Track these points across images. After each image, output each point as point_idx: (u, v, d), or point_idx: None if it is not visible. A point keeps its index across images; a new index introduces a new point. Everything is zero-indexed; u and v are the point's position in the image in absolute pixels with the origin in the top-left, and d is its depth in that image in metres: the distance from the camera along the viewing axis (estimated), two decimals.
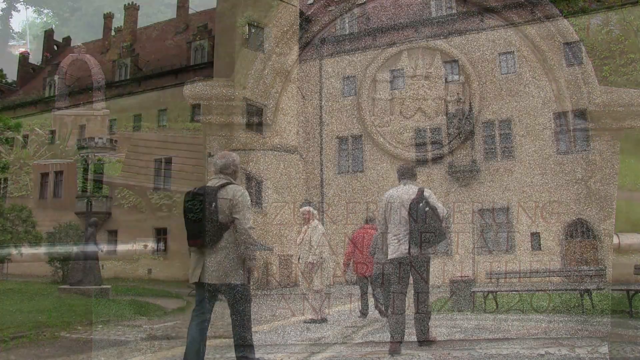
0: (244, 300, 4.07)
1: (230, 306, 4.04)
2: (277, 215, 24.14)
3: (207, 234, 3.80)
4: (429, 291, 5.41)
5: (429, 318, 5.23)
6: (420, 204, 5.03)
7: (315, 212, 8.37)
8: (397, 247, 5.15)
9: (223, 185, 3.99)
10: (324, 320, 7.66)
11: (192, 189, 4.01)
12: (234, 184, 4.14)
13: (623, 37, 22.46)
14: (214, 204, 3.83)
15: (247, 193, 4.03)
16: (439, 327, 6.73)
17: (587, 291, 8.56)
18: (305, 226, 8.15)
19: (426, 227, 4.97)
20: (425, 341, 5.06)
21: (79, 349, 5.67)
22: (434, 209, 5.07)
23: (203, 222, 3.80)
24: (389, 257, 5.30)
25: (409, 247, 5.06)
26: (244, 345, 4.07)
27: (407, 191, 5.27)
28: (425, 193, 5.20)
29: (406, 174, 5.52)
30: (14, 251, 16.80)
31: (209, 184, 4.08)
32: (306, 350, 4.92)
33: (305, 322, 7.72)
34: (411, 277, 5.23)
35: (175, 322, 8.80)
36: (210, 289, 3.98)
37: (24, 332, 6.56)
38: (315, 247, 8.01)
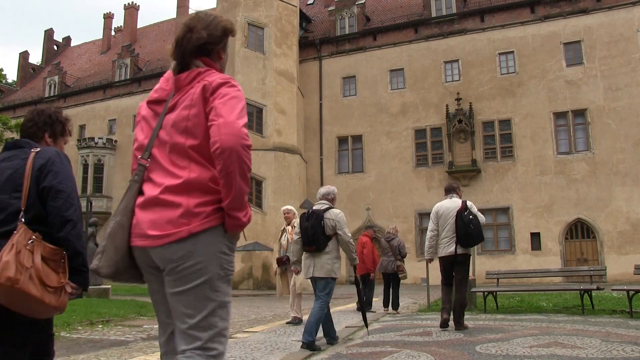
0: (329, 291, 5.51)
1: (317, 292, 5.49)
2: (277, 215, 24.13)
3: (318, 243, 5.37)
4: (467, 284, 6.74)
5: (464, 306, 6.49)
6: (465, 213, 6.45)
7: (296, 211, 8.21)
8: (446, 247, 6.48)
9: (327, 209, 5.52)
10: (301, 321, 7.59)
11: (307, 211, 5.65)
12: (334, 207, 5.61)
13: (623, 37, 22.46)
14: (322, 222, 5.40)
15: (343, 214, 5.59)
16: (439, 327, 6.73)
17: (587, 291, 8.56)
18: (289, 226, 7.86)
19: (469, 231, 6.32)
20: (460, 326, 6.34)
21: (79, 349, 5.67)
22: (475, 217, 6.46)
23: (315, 234, 5.36)
24: (439, 255, 6.60)
25: (455, 247, 6.40)
26: (311, 332, 5.25)
27: (453, 203, 6.70)
28: (468, 204, 6.62)
29: (451, 190, 7.05)
30: None
31: (316, 207, 5.65)
32: (306, 351, 4.93)
33: (287, 323, 7.70)
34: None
35: None
36: (317, 281, 5.51)
37: None
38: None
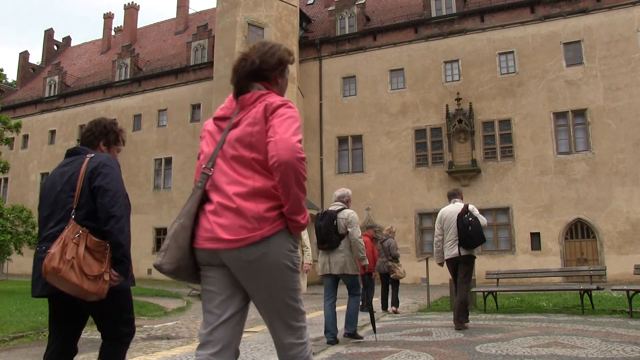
0: (357, 286, 5.99)
1: (348, 290, 5.98)
2: None
3: (331, 241, 5.77)
4: (469, 283, 6.96)
5: (465, 305, 6.69)
6: (465, 216, 6.71)
7: None
8: (450, 249, 6.78)
9: (340, 210, 5.94)
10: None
11: (321, 210, 6.07)
12: (347, 208, 6.02)
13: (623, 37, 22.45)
14: (335, 221, 5.80)
15: (356, 214, 5.99)
16: (440, 327, 6.74)
17: (587, 291, 8.56)
18: None
19: (468, 234, 6.59)
20: (460, 325, 6.57)
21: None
22: (476, 219, 6.69)
23: (329, 233, 5.75)
24: (445, 257, 6.88)
25: (459, 249, 6.70)
26: (352, 323, 5.81)
27: (456, 207, 6.93)
28: (469, 207, 6.83)
29: (455, 195, 7.24)
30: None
31: (331, 208, 6.07)
32: None
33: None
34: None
35: (176, 322, 8.80)
36: (333, 278, 5.97)
37: (24, 332, 6.57)
38: (309, 247, 7.95)
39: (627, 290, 7.76)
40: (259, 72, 2.13)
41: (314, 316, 9.19)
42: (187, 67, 31.83)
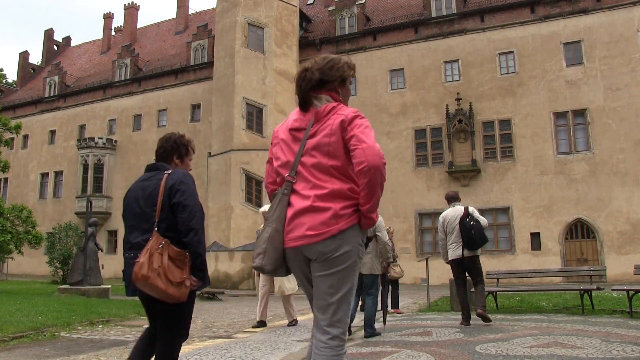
0: (375, 286, 6.30)
1: (365, 289, 6.27)
2: None
3: None
4: (483, 280, 7.30)
5: (484, 293, 7.14)
6: (467, 219, 7.02)
7: None
8: (454, 251, 7.08)
9: None
10: (296, 322, 7.36)
11: None
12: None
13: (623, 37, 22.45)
14: None
15: (382, 219, 6.20)
16: (439, 327, 6.74)
17: (587, 291, 8.56)
18: None
19: (471, 236, 6.93)
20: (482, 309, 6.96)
21: (79, 349, 5.67)
22: (477, 221, 7.00)
23: None
24: (449, 258, 7.18)
25: (462, 251, 7.02)
26: (371, 325, 6.05)
27: (457, 210, 7.21)
28: (469, 210, 7.14)
29: (454, 198, 7.46)
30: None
31: None
32: (306, 351, 4.92)
33: (289, 325, 7.32)
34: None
35: None
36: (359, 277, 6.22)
37: (24, 332, 6.57)
38: None
39: (627, 290, 7.76)
40: (321, 84, 2.35)
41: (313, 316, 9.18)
42: (187, 67, 31.84)
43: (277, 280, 7.21)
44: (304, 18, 29.48)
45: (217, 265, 23.50)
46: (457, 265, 7.16)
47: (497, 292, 9.39)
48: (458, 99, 24.13)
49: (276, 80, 25.61)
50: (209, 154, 27.30)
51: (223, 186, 24.55)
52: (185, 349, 5.46)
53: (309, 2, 32.98)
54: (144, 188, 2.98)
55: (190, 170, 3.19)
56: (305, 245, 2.14)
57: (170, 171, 2.97)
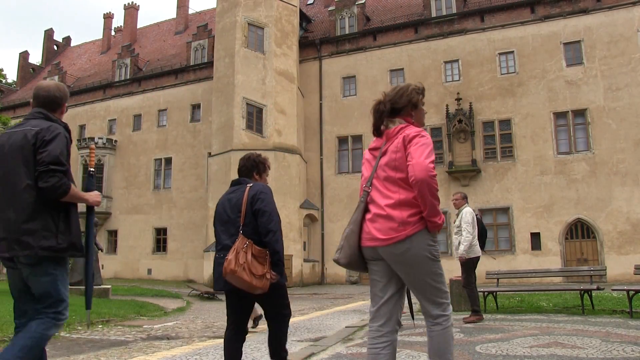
0: None
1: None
2: None
3: None
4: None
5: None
6: (481, 218, 8.00)
7: None
8: (477, 249, 7.57)
9: None
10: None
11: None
12: None
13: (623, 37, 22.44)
14: None
15: None
16: None
17: (587, 291, 8.56)
18: None
19: (483, 234, 7.86)
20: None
21: (79, 349, 5.67)
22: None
23: None
24: (475, 255, 7.54)
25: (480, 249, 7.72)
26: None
27: (474, 210, 7.84)
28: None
29: (467, 198, 7.97)
30: None
31: None
32: (306, 351, 4.92)
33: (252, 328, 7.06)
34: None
35: (175, 322, 8.80)
36: None
37: None
38: None
39: (627, 290, 7.75)
40: (393, 111, 2.74)
41: (313, 316, 9.19)
42: (187, 67, 31.83)
43: None
44: (304, 18, 29.47)
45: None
46: (476, 264, 7.58)
47: (497, 292, 9.38)
48: (458, 99, 24.13)
49: (276, 80, 25.60)
50: (209, 154, 27.30)
51: (223, 186, 24.53)
52: (185, 349, 5.46)
53: (309, 2, 32.98)
54: (230, 199, 3.56)
55: (267, 183, 3.77)
56: (377, 246, 2.57)
57: (251, 184, 3.57)
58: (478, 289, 9.21)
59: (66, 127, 2.89)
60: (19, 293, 2.82)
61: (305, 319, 8.16)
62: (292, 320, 7.70)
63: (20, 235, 2.65)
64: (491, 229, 22.41)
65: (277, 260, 3.34)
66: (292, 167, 25.17)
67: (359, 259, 2.67)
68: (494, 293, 9.22)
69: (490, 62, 24.48)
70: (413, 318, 6.34)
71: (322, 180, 26.66)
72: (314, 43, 28.43)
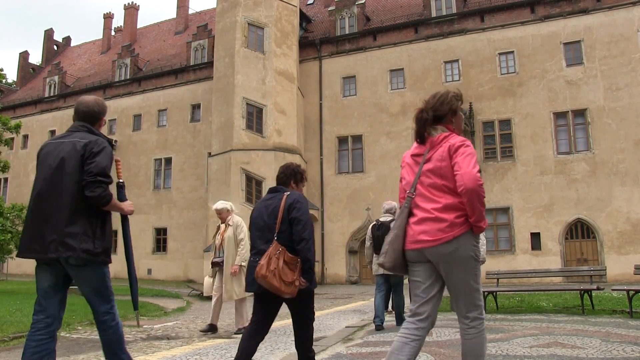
0: (403, 284, 7.12)
1: (394, 287, 7.33)
2: None
3: None
4: None
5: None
6: None
7: (232, 206, 7.28)
8: (484, 249, 7.54)
9: (392, 220, 6.84)
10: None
11: (376, 222, 7.35)
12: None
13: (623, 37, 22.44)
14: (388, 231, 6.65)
15: None
16: (440, 327, 6.74)
17: (587, 291, 8.56)
18: (223, 225, 7.08)
19: None
20: None
21: (79, 349, 5.67)
22: None
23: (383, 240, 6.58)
24: (483, 257, 7.42)
25: None
26: (402, 317, 6.77)
27: None
28: None
29: None
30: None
31: (381, 219, 7.29)
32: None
33: (235, 333, 6.73)
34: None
35: (175, 322, 8.80)
36: (386, 277, 7.22)
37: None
38: (244, 246, 6.82)
39: (627, 290, 7.76)
40: (435, 119, 2.84)
41: None
42: (187, 67, 31.83)
43: (227, 284, 6.78)
44: (304, 18, 29.47)
45: None
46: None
47: (497, 292, 9.39)
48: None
49: (276, 80, 25.60)
50: (209, 154, 27.30)
51: (223, 186, 24.55)
52: (185, 349, 5.46)
53: (309, 2, 32.98)
54: (267, 206, 3.73)
55: (302, 193, 3.92)
56: (424, 248, 2.69)
57: (288, 192, 3.73)
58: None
59: (110, 142, 3.19)
60: (45, 291, 3.01)
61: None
62: (291, 320, 7.70)
63: (64, 238, 2.87)
64: (491, 229, 22.42)
65: (308, 268, 3.51)
66: None
67: (402, 262, 2.80)
68: (494, 293, 9.22)
69: (490, 62, 24.48)
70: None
71: (322, 180, 26.65)
72: (314, 43, 28.42)
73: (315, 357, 4.66)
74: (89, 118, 3.29)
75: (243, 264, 6.66)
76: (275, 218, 3.62)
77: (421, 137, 2.87)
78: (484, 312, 2.75)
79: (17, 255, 3.11)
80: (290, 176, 3.92)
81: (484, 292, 9.09)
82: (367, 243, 7.39)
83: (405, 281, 10.06)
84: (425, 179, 2.76)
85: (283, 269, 3.42)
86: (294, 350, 5.06)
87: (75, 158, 2.98)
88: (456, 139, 2.74)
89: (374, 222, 7.44)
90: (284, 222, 3.58)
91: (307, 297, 3.67)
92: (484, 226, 2.68)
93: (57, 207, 2.92)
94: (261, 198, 3.95)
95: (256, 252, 3.65)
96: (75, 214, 2.91)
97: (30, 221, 2.97)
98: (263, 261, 3.43)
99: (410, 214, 2.77)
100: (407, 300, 11.97)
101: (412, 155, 2.91)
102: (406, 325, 2.73)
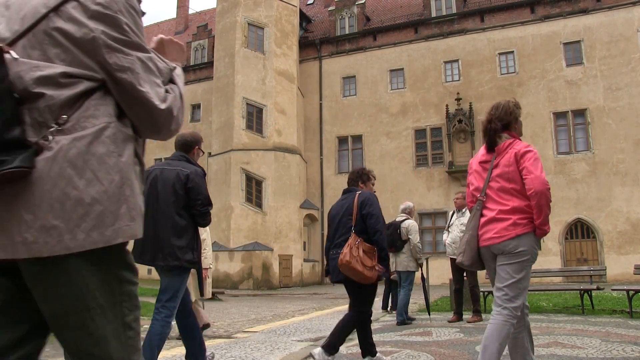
0: (411, 281, 7.44)
1: (401, 283, 7.51)
2: (277, 215, 24.13)
3: (396, 245, 7.32)
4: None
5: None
6: None
7: None
8: None
9: (403, 220, 7.56)
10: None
11: (392, 221, 7.58)
12: (410, 218, 7.61)
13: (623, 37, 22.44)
14: (398, 230, 7.46)
15: (416, 224, 7.58)
16: (440, 327, 6.74)
17: (587, 291, 8.56)
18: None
19: None
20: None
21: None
22: None
23: (393, 239, 7.27)
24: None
25: None
26: (401, 313, 7.17)
27: None
28: None
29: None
30: None
31: (397, 219, 7.69)
32: (306, 350, 4.93)
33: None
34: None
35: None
36: (397, 274, 7.59)
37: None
38: (210, 249, 6.78)
39: (627, 290, 7.76)
40: (502, 128, 3.14)
41: (313, 316, 9.19)
42: (187, 67, 31.83)
43: (190, 286, 6.78)
44: (304, 18, 29.47)
45: (217, 265, 23.50)
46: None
47: None
48: (458, 99, 24.13)
49: (276, 80, 25.60)
50: (209, 154, 27.28)
51: (223, 186, 24.55)
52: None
53: (309, 2, 32.99)
54: (342, 205, 4.25)
55: (374, 191, 4.48)
56: (493, 244, 3.01)
57: (360, 192, 4.26)
58: (479, 289, 9.24)
59: (203, 170, 3.75)
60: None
61: (305, 319, 8.16)
62: (292, 320, 7.69)
63: (171, 250, 3.48)
64: None
65: (385, 255, 4.01)
66: (292, 167, 25.17)
67: (478, 259, 3.13)
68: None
69: (490, 62, 24.48)
70: (429, 314, 6.89)
71: (322, 180, 26.66)
72: (314, 43, 28.43)
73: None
74: (184, 147, 3.83)
75: (210, 267, 6.68)
76: (350, 215, 4.10)
77: (492, 146, 3.14)
78: (518, 311, 2.97)
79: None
80: (357, 177, 4.46)
81: (484, 292, 9.11)
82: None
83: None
84: (494, 183, 3.06)
85: (363, 256, 3.87)
86: (294, 349, 5.07)
87: (179, 185, 3.58)
88: (520, 145, 3.04)
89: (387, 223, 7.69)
90: (358, 217, 4.05)
91: (371, 288, 4.10)
92: (548, 230, 2.95)
93: (166, 224, 3.53)
94: (338, 199, 4.45)
95: (334, 245, 4.13)
96: (182, 230, 3.54)
97: (144, 234, 3.60)
98: (346, 250, 3.88)
99: (482, 215, 3.10)
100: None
101: (481, 163, 3.20)
102: (492, 314, 3.05)
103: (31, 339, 1.22)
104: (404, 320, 7.09)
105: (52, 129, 1.10)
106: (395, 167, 25.15)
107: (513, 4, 24.45)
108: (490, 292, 9.18)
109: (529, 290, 11.58)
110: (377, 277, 4.00)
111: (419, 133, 25.24)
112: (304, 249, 25.70)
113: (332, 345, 4.01)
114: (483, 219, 3.07)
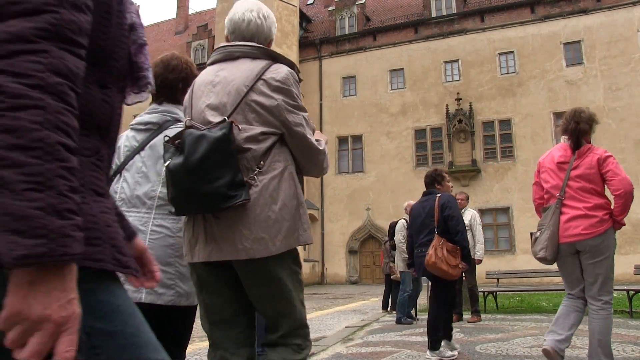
0: (407, 282, 7.46)
1: (401, 285, 7.64)
2: None
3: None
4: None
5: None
6: None
7: None
8: (482, 249, 7.78)
9: (398, 221, 7.84)
10: None
11: (392, 222, 8.13)
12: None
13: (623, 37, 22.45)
14: (392, 231, 7.92)
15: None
16: None
17: None
18: None
19: None
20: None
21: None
22: None
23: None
24: (480, 256, 7.75)
25: None
26: (401, 311, 7.35)
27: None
28: None
29: None
30: None
31: (401, 219, 7.80)
32: None
33: None
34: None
35: None
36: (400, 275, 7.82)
37: None
38: None
39: (627, 290, 7.76)
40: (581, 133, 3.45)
41: (313, 316, 9.19)
42: None
43: None
44: (304, 18, 29.47)
45: None
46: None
47: (497, 292, 9.39)
48: (458, 99, 24.13)
49: None
50: None
51: None
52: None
53: (309, 2, 32.99)
54: (424, 207, 4.55)
55: (451, 190, 4.82)
56: (580, 240, 3.20)
57: (440, 194, 4.51)
58: (478, 289, 9.23)
59: None
60: None
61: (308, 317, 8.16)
62: None
63: None
64: (491, 229, 22.43)
65: (467, 253, 4.35)
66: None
67: (557, 254, 3.34)
68: (494, 293, 9.22)
69: (490, 62, 24.48)
70: (416, 318, 7.03)
71: (322, 180, 26.65)
72: (314, 43, 28.43)
73: (315, 357, 4.67)
74: None
75: None
76: (432, 216, 4.40)
77: (578, 147, 3.42)
78: (612, 300, 3.23)
79: None
80: (433, 180, 4.74)
81: (484, 292, 9.11)
82: (403, 240, 7.08)
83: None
84: (574, 183, 3.28)
85: (447, 256, 4.17)
86: None
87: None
88: (600, 151, 3.37)
89: (391, 222, 8.21)
90: (440, 218, 4.34)
91: (452, 284, 4.52)
92: (624, 224, 3.28)
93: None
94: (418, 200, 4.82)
95: (419, 245, 4.48)
96: None
97: None
98: (431, 251, 4.17)
99: (561, 212, 3.29)
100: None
101: (558, 163, 3.44)
102: (592, 309, 3.25)
103: (245, 313, 1.83)
104: (400, 319, 7.16)
105: (255, 172, 1.64)
106: (395, 167, 25.15)
107: (513, 4, 24.45)
108: (490, 292, 9.18)
109: (529, 291, 11.49)
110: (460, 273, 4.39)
111: (419, 133, 25.24)
112: (304, 249, 25.68)
113: (435, 341, 4.34)
114: (565, 217, 3.25)
